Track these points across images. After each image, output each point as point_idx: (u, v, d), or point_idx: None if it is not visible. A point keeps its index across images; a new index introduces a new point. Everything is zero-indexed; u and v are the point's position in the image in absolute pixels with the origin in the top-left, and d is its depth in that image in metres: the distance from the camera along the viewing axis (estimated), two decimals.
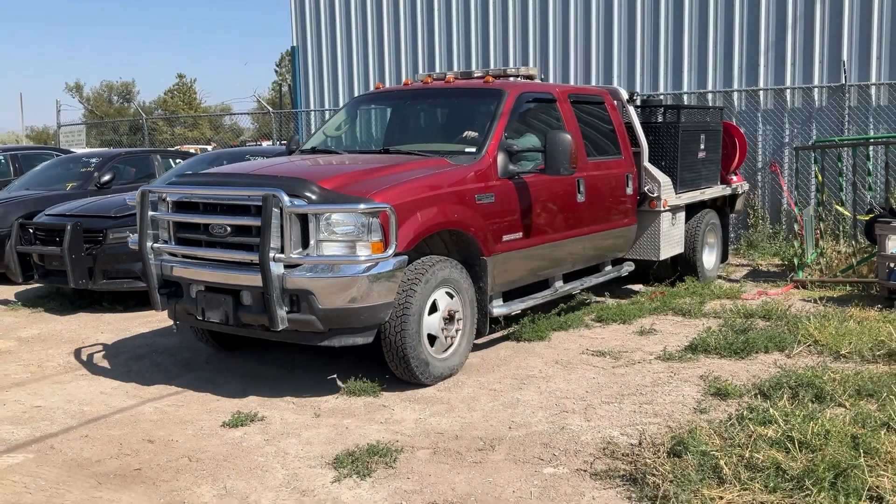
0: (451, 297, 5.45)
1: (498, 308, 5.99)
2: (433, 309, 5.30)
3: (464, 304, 5.54)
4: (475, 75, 7.11)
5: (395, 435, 4.54)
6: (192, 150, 18.54)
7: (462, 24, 12.86)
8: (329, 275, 4.80)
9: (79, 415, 5.06)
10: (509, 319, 6.80)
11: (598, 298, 8.00)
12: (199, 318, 5.27)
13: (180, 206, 5.39)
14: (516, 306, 6.22)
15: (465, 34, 12.85)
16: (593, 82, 11.78)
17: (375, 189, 5.02)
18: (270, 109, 16.63)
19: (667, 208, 7.79)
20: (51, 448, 4.51)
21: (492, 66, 12.51)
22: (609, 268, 7.59)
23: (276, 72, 64.94)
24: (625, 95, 7.87)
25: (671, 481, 3.63)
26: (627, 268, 7.80)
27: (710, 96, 11.27)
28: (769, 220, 11.01)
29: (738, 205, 9.79)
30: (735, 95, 11.13)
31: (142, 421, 4.89)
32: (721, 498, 3.47)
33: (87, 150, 16.86)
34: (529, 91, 6.55)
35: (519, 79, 6.97)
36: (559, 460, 4.14)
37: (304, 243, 4.84)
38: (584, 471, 4.00)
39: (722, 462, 3.73)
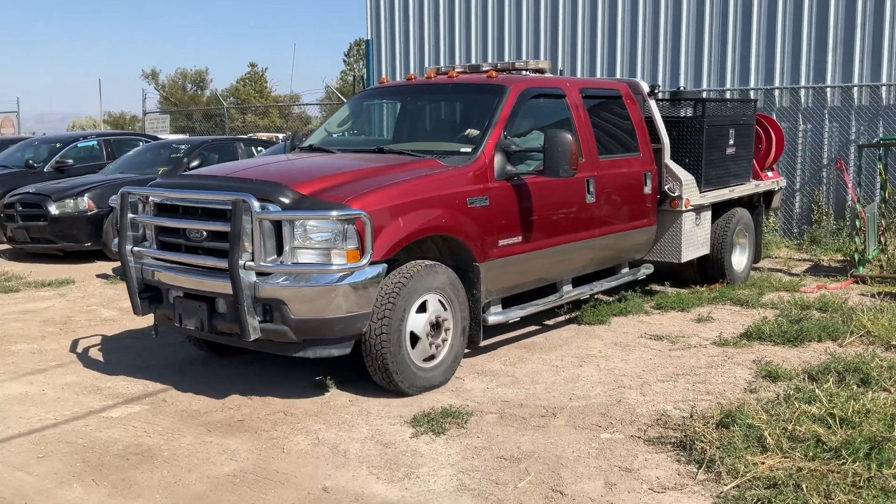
0: (438, 304, 5.20)
1: (494, 316, 5.74)
2: (421, 310, 5.08)
3: (454, 312, 5.29)
4: (483, 69, 6.72)
5: (465, 401, 5.00)
6: (264, 138, 19.31)
7: (532, 16, 13.20)
8: (302, 284, 4.63)
9: (183, 372, 5.67)
10: (576, 304, 7.18)
11: (659, 288, 8.31)
12: (177, 324, 5.16)
13: (161, 209, 5.26)
14: (514, 314, 5.92)
15: (535, 26, 13.19)
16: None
17: (353, 194, 4.79)
18: (343, 98, 17.27)
19: (689, 208, 7.46)
20: (163, 401, 5.11)
21: (560, 61, 12.83)
22: (626, 270, 7.29)
23: (345, 62, 66.16)
24: (646, 88, 7.47)
25: (717, 447, 4.01)
26: (645, 270, 7.44)
27: (776, 93, 11.39)
28: (833, 216, 11.10)
29: (776, 202, 9.40)
30: (802, 92, 11.23)
31: (241, 378, 5.46)
32: (763, 463, 3.83)
33: (174, 136, 17.75)
34: (535, 86, 6.26)
35: (527, 73, 6.63)
36: (615, 427, 4.55)
37: (280, 250, 4.68)
38: (638, 437, 4.40)
39: (766, 433, 4.08)
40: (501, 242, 5.62)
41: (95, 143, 13.98)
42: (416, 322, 5.05)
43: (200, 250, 5.00)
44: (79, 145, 13.73)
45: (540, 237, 5.97)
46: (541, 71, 6.77)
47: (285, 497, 3.75)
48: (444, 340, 5.25)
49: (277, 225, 4.66)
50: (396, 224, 4.90)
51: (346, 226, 4.62)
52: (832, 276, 8.95)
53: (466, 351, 5.80)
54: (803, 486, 3.55)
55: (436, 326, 5.18)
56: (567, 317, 7.07)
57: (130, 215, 5.34)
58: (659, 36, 12.13)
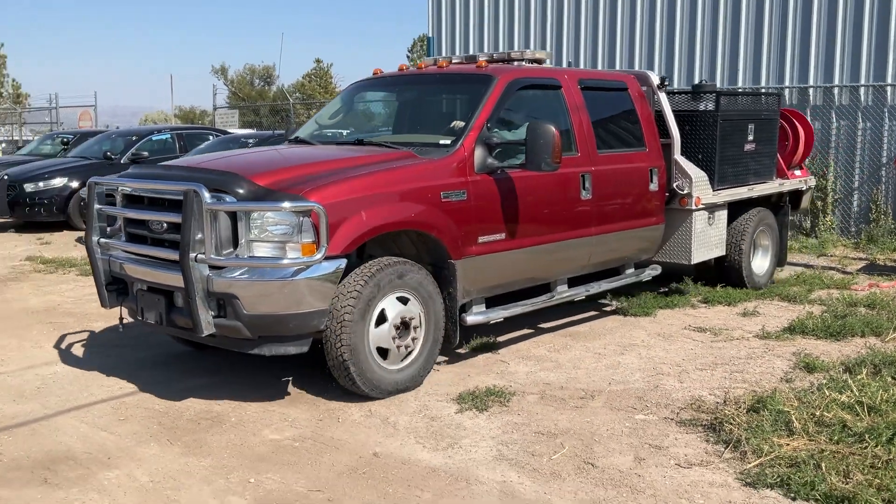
0: (407, 303, 4.99)
1: (474, 316, 5.50)
2: (382, 318, 4.88)
3: (426, 311, 5.09)
4: (479, 60, 6.34)
5: (508, 382, 5.30)
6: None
7: (590, 13, 13.35)
8: (254, 278, 4.49)
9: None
10: (617, 293, 7.39)
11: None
12: (139, 317, 5.10)
13: (129, 200, 5.18)
14: (496, 314, 5.69)
15: (594, 24, 13.34)
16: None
17: (311, 186, 4.63)
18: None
19: (700, 207, 7.12)
20: (230, 373, 5.55)
21: (618, 63, 12.96)
22: (630, 271, 6.96)
23: (409, 57, 66.83)
24: (655, 80, 7.14)
25: (745, 429, 4.22)
26: (651, 272, 7.10)
27: (835, 90, 11.32)
28: (892, 215, 11.01)
29: (805, 203, 8.96)
30: (861, 91, 11.15)
31: (303, 356, 5.86)
32: (787, 445, 4.02)
33: (243, 131, 18.44)
34: (525, 77, 6.01)
35: (524, 63, 6.40)
36: (650, 410, 4.79)
37: (237, 243, 4.56)
38: (671, 419, 4.63)
39: (794, 417, 4.28)
40: (482, 239, 5.39)
41: (169, 136, 14.71)
42: (381, 321, 4.86)
43: (165, 243, 4.88)
44: (153, 138, 14.47)
45: (527, 234, 5.71)
46: (539, 61, 6.52)
47: (339, 460, 4.11)
48: (413, 340, 5.05)
49: (234, 217, 4.54)
50: (358, 218, 4.70)
51: (301, 218, 4.46)
52: (886, 275, 8.92)
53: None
54: (823, 465, 3.74)
55: (404, 326, 4.98)
56: (612, 307, 7.29)
57: (97, 206, 5.26)
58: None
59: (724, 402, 4.78)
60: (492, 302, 5.80)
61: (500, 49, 14.37)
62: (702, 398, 4.94)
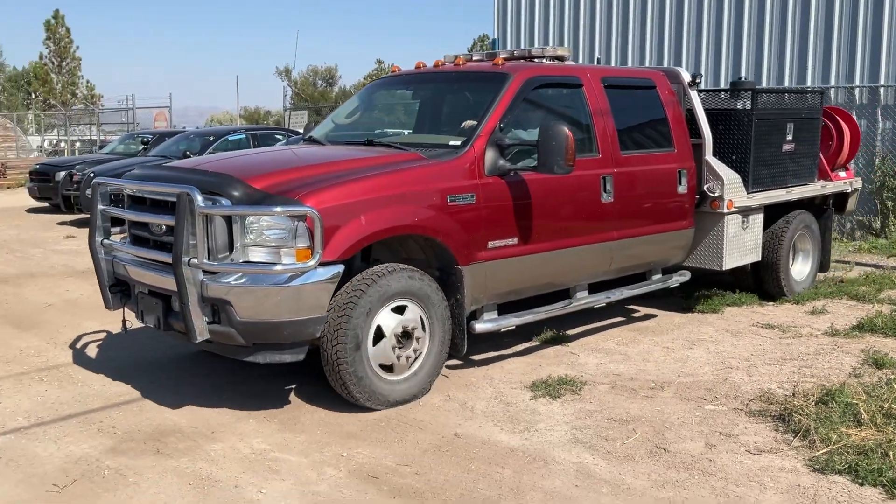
0: (404, 311, 4.82)
1: (483, 324, 5.33)
2: (385, 322, 4.73)
3: (430, 319, 4.93)
4: (497, 57, 6.12)
5: (579, 373, 5.51)
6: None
7: (657, 15, 13.41)
8: (247, 283, 4.37)
9: None
10: (688, 294, 7.51)
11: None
12: (140, 320, 5.06)
13: (133, 201, 5.12)
14: (508, 322, 5.49)
15: (659, 26, 13.39)
16: (782, 76, 11.99)
17: (309, 189, 4.50)
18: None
19: (733, 210, 6.81)
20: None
21: (691, 64, 12.99)
22: (657, 276, 6.69)
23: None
24: (686, 78, 6.86)
25: (814, 420, 4.36)
26: (679, 278, 6.79)
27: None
28: None
29: (850, 205, 8.52)
30: None
31: None
32: (856, 434, 4.15)
33: None
34: (543, 75, 5.79)
35: (544, 60, 6.18)
36: (719, 401, 4.95)
37: (232, 247, 4.47)
38: (740, 409, 4.79)
39: (862, 409, 4.39)
40: (492, 244, 5.20)
41: (244, 136, 15.27)
42: (380, 330, 4.71)
43: (165, 246, 4.77)
44: (229, 138, 15.04)
45: (541, 239, 5.50)
46: (560, 58, 6.26)
47: (423, 439, 4.39)
48: (415, 350, 4.90)
49: (229, 220, 4.44)
50: (357, 222, 4.56)
51: (296, 223, 4.34)
52: None
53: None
54: (891, 454, 3.87)
55: (405, 335, 4.83)
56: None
57: (101, 206, 5.22)
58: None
59: (793, 394, 4.90)
60: (509, 308, 5.66)
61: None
62: (770, 391, 5.07)
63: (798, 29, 11.91)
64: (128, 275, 5.06)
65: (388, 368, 4.80)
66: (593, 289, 6.22)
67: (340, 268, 4.51)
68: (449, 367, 5.63)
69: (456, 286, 5.08)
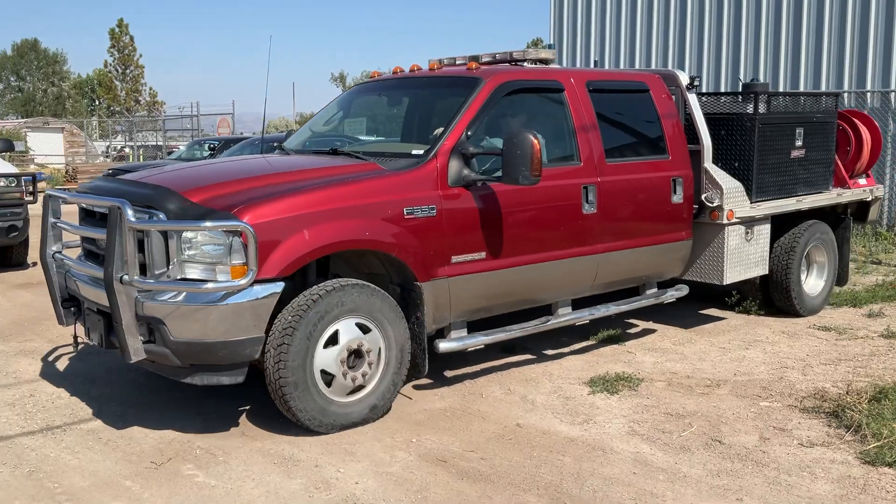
0: (364, 329, 4.58)
1: (448, 343, 5.03)
2: (333, 341, 4.46)
3: (385, 338, 4.66)
4: (482, 60, 5.90)
5: (635, 370, 5.71)
6: None
7: (714, 22, 13.47)
8: (179, 302, 4.20)
9: None
10: (742, 297, 7.61)
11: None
12: (87, 337, 4.91)
13: (86, 215, 4.98)
14: (476, 341, 5.17)
15: (717, 31, 13.45)
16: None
17: (246, 202, 4.29)
18: None
19: (734, 220, 6.40)
20: None
21: (749, 69, 13.03)
22: (652, 291, 6.34)
23: None
24: (684, 80, 6.47)
25: (866, 416, 4.50)
26: (675, 293, 6.41)
27: None
28: None
29: (872, 214, 8.04)
30: None
31: None
32: None
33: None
34: (519, 79, 5.47)
35: (525, 63, 5.85)
36: (774, 398, 5.11)
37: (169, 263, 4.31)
38: (794, 406, 4.95)
39: None
40: (456, 259, 4.92)
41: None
42: (327, 350, 4.45)
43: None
44: None
45: (513, 253, 5.19)
46: (545, 61, 5.93)
47: (487, 428, 4.66)
48: (367, 371, 4.60)
49: (166, 236, 4.30)
50: (300, 237, 4.33)
51: (231, 238, 4.16)
52: None
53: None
54: None
55: (357, 355, 4.56)
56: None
57: (51, 220, 5.14)
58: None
59: (847, 392, 5.03)
60: (492, 324, 5.42)
61: (621, 61, 14.65)
62: (825, 389, 5.21)
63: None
64: (78, 290, 4.91)
65: (330, 384, 4.51)
66: (589, 302, 6.01)
67: (280, 286, 4.28)
68: (511, 363, 5.89)
69: (416, 303, 4.82)
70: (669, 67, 13.88)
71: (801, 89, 11.72)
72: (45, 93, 69.46)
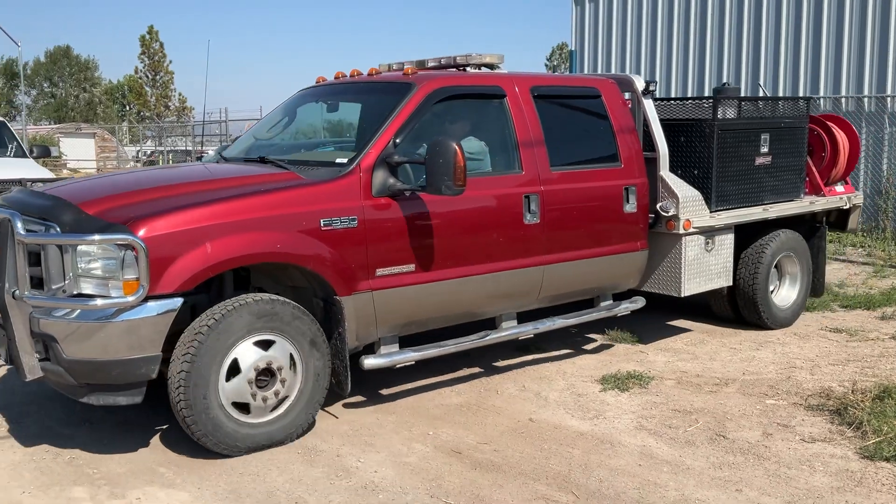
0: (269, 347, 4.35)
1: (375, 359, 4.83)
2: (235, 370, 4.24)
3: (301, 354, 4.45)
4: (428, 65, 5.74)
5: (647, 369, 5.89)
6: None
7: (734, 31, 13.58)
8: (70, 318, 4.02)
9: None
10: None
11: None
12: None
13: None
14: (405, 357, 4.95)
15: (737, 41, 13.56)
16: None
17: (141, 215, 4.11)
18: None
19: (692, 230, 6.10)
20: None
21: (769, 77, 13.13)
22: (607, 303, 6.12)
23: (547, 65, 67.51)
24: (640, 86, 6.22)
25: (868, 413, 4.65)
26: (629, 305, 6.18)
27: None
28: None
29: (852, 223, 7.71)
30: None
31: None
32: None
33: None
34: (455, 85, 5.26)
35: (468, 69, 5.62)
36: (780, 396, 5.27)
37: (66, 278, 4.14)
38: (799, 404, 5.11)
39: None
40: (381, 272, 4.72)
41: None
42: (236, 367, 4.26)
43: None
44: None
45: (446, 265, 4.97)
46: (490, 66, 5.71)
47: (500, 422, 4.87)
48: (279, 390, 4.40)
49: (62, 249, 4.13)
50: (201, 251, 4.12)
51: (123, 252, 3.99)
52: None
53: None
54: None
55: (268, 373, 4.36)
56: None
57: None
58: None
59: (852, 391, 5.18)
60: (429, 338, 5.28)
61: (642, 66, 14.78)
62: (831, 388, 5.35)
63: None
64: None
65: (246, 410, 4.33)
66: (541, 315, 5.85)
67: (177, 302, 4.09)
68: (526, 362, 6.10)
69: (337, 318, 4.62)
70: (691, 73, 14.01)
71: (805, 94, 11.85)
72: (77, 98, 70.78)
